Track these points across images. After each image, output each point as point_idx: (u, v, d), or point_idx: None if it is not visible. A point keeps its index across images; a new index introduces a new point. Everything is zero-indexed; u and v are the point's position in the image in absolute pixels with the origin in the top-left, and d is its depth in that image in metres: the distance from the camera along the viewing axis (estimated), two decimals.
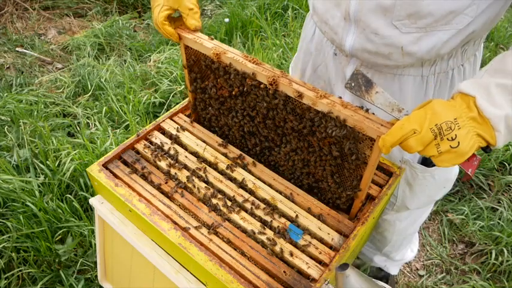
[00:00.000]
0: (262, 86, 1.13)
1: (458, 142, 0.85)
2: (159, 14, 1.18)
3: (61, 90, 2.97)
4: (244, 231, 1.14)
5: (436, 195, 1.51)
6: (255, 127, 1.27)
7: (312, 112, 1.07)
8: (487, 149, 0.90)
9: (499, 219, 2.29)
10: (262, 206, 1.19)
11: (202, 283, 1.14)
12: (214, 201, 1.19)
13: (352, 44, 1.14)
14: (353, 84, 1.01)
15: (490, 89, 0.86)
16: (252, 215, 1.17)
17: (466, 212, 2.32)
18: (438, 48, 1.05)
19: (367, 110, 1.01)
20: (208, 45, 1.18)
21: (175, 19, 1.24)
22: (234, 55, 1.16)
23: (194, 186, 1.23)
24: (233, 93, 1.23)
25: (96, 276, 1.86)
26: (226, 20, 3.50)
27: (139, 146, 1.34)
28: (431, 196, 1.50)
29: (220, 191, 1.23)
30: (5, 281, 1.87)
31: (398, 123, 0.89)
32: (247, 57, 1.15)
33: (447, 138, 0.85)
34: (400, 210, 1.56)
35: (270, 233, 1.13)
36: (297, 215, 1.17)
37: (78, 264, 1.92)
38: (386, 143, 0.90)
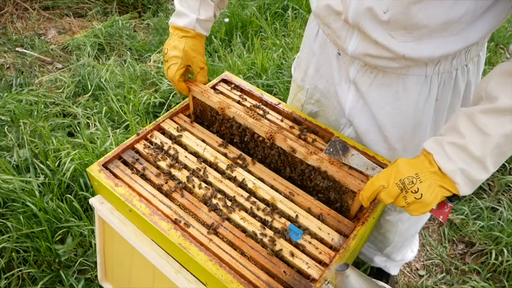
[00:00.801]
0: (260, 138, 1.28)
1: (421, 194, 0.96)
2: (177, 71, 1.32)
3: (61, 90, 2.97)
4: (244, 231, 1.14)
5: None
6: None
7: (303, 165, 1.24)
8: (452, 198, 1.01)
9: (499, 219, 2.29)
10: (262, 206, 1.19)
11: (202, 283, 1.14)
12: (214, 201, 1.19)
13: (355, 48, 1.15)
14: (331, 150, 1.17)
15: (443, 146, 0.97)
16: (252, 214, 1.17)
17: (466, 212, 2.32)
18: (439, 53, 1.06)
19: (351, 167, 1.16)
20: (214, 99, 1.34)
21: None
22: (236, 110, 1.31)
23: (194, 186, 1.23)
24: (234, 140, 1.37)
25: (96, 276, 1.86)
26: (226, 20, 3.49)
27: (140, 146, 1.34)
28: None
29: (220, 191, 1.23)
30: (5, 281, 1.87)
31: (370, 181, 1.04)
32: (248, 113, 1.30)
33: (411, 191, 0.97)
34: (403, 211, 1.55)
35: (270, 233, 1.13)
36: (297, 215, 1.17)
37: (78, 263, 1.92)
38: (363, 197, 1.05)
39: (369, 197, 1.04)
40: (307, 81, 1.45)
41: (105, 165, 1.27)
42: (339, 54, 1.28)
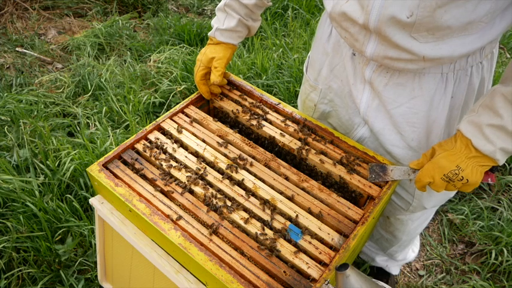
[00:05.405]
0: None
1: (467, 179, 1.09)
2: (198, 73, 1.44)
3: (61, 90, 2.97)
4: (244, 231, 1.14)
5: (452, 192, 1.52)
6: None
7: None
8: (493, 168, 1.12)
9: (499, 219, 2.29)
10: (262, 206, 1.19)
11: (202, 283, 1.14)
12: (214, 201, 1.19)
13: (373, 51, 1.15)
14: (373, 176, 1.26)
15: (482, 129, 1.05)
16: (252, 214, 1.17)
17: (466, 212, 2.32)
18: (458, 53, 1.07)
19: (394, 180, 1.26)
20: (213, 126, 1.41)
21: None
22: (234, 138, 1.38)
23: (194, 186, 1.23)
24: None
25: (96, 276, 1.86)
26: None
27: (139, 146, 1.34)
28: (447, 193, 1.51)
29: (220, 191, 1.23)
30: (5, 281, 1.87)
31: (417, 178, 1.17)
32: (244, 141, 1.37)
33: (457, 180, 1.10)
34: (416, 210, 1.55)
35: (270, 233, 1.13)
36: (297, 215, 1.17)
37: (78, 263, 1.92)
38: (417, 188, 1.20)
39: (420, 189, 1.19)
40: (321, 81, 1.44)
41: (105, 165, 1.27)
42: (354, 54, 1.27)
